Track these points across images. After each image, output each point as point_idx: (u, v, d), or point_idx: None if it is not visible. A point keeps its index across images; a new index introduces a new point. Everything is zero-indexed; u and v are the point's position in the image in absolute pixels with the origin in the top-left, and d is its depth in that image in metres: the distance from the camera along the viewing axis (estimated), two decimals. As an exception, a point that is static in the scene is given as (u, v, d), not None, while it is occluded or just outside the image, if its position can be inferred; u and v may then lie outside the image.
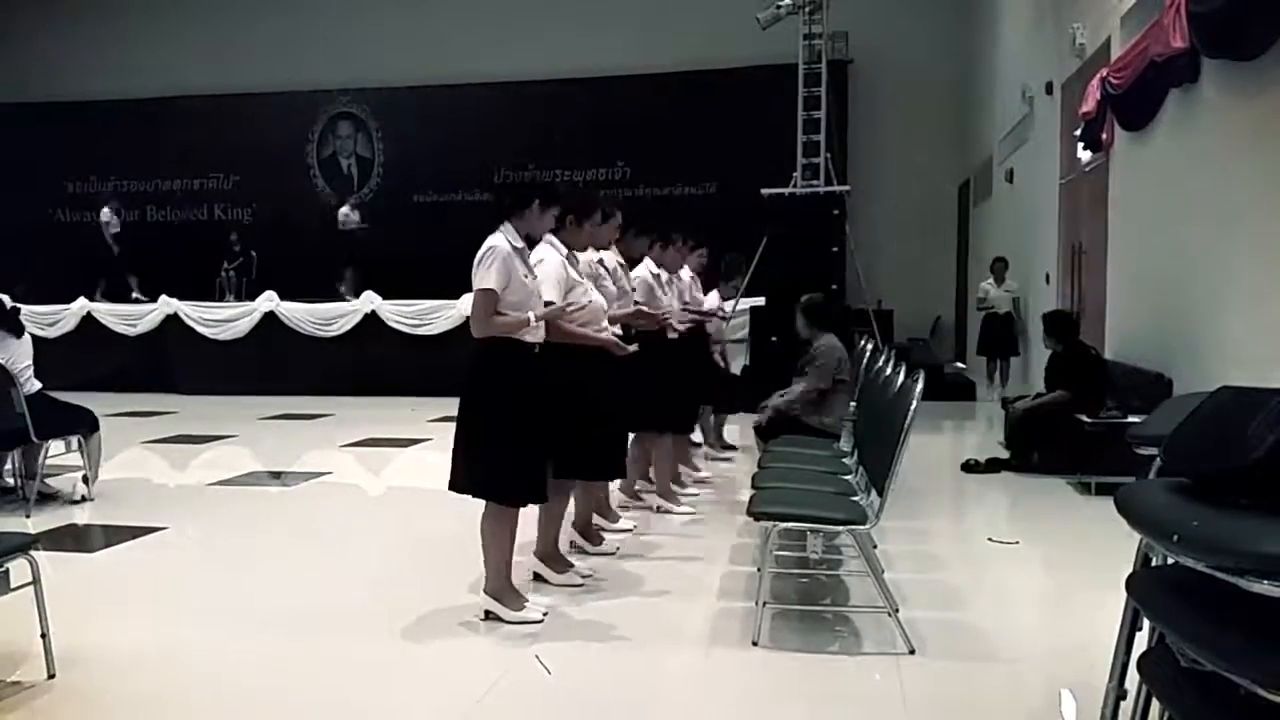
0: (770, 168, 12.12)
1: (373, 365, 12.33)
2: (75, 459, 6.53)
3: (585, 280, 4.53)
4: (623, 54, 15.96)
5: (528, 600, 4.09)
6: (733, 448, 8.13)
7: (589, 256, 4.83)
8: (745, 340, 11.33)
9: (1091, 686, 2.91)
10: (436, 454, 8.67)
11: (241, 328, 12.94)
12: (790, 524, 3.91)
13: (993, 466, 7.24)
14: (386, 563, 5.10)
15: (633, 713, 3.30)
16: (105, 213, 16.04)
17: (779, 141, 12.37)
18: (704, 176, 16.33)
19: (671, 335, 5.89)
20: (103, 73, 17.94)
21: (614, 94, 16.45)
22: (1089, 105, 7.86)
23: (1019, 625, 4.17)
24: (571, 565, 4.60)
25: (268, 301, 12.94)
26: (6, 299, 6.56)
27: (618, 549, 5.08)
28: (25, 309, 7.19)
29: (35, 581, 3.33)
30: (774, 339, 10.42)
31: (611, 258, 5.23)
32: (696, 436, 7.52)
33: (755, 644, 3.69)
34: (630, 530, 5.44)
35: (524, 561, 4.45)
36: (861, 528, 3.84)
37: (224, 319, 13.11)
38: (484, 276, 3.84)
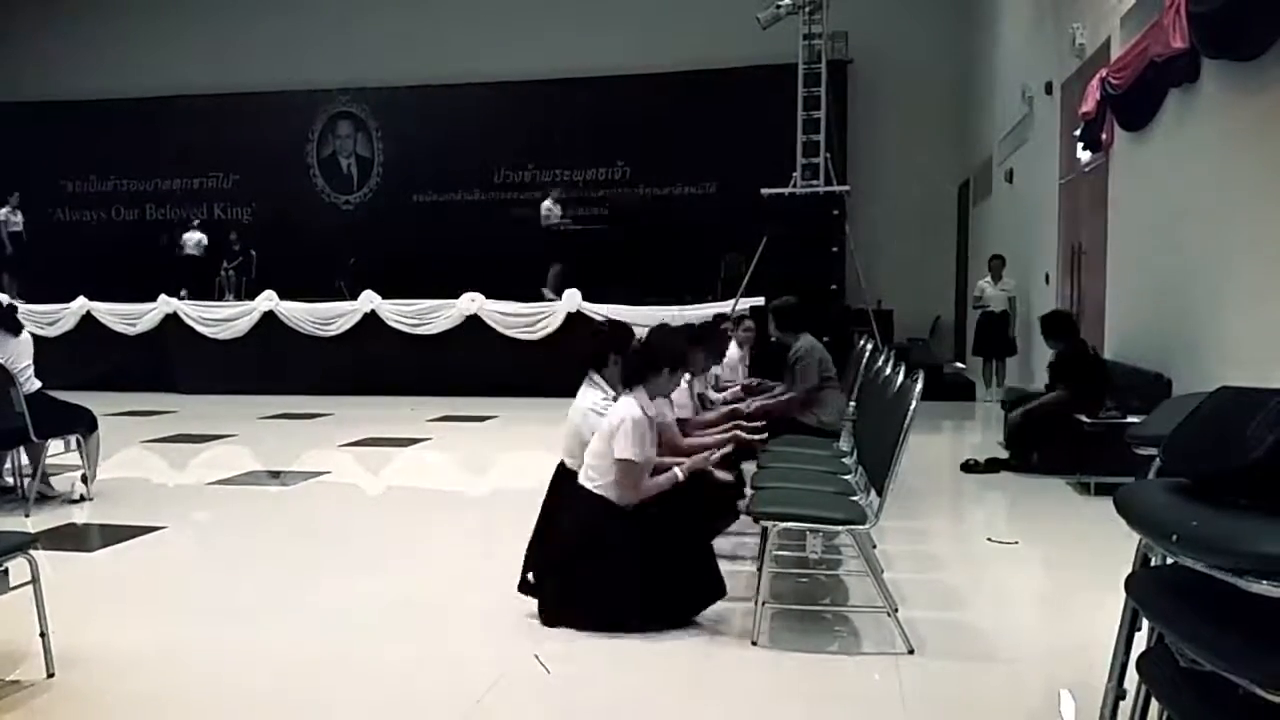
0: (770, 168, 12.11)
1: (372, 365, 12.34)
2: (75, 459, 6.53)
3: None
4: (623, 54, 15.97)
5: None
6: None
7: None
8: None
9: (1090, 686, 2.91)
10: (436, 453, 8.75)
11: (241, 327, 12.95)
12: (790, 524, 3.92)
13: (992, 466, 7.24)
14: (385, 563, 5.09)
15: (632, 712, 3.30)
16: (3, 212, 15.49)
17: (779, 141, 12.37)
18: (704, 176, 16.35)
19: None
20: (102, 72, 17.96)
21: (614, 94, 16.46)
22: (1089, 105, 7.86)
23: (1018, 625, 4.17)
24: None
25: (267, 301, 12.94)
26: (4, 298, 6.56)
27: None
28: (24, 308, 7.20)
29: (34, 581, 3.33)
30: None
31: None
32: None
33: (755, 643, 3.70)
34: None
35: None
36: (861, 528, 3.84)
37: (223, 318, 13.12)
38: (624, 447, 3.85)
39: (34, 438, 6.11)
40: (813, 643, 3.82)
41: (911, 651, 3.62)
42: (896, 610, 3.77)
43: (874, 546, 4.40)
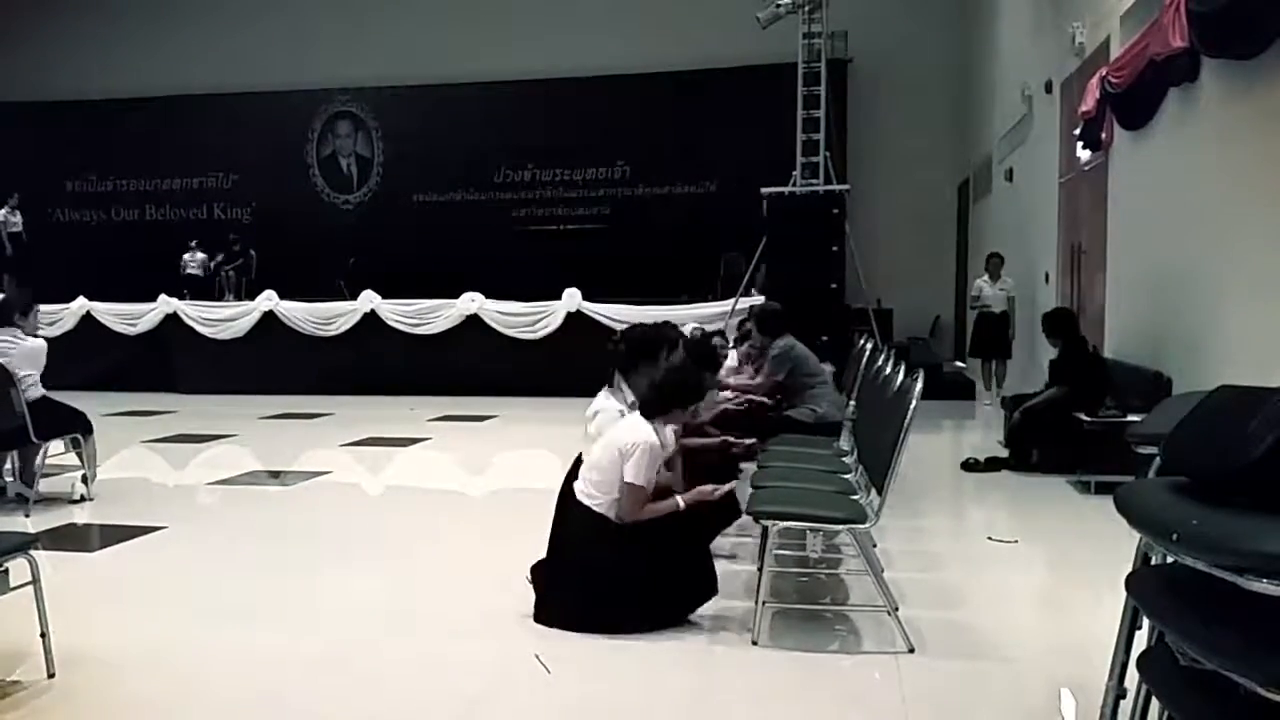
0: (770, 167, 12.11)
1: (372, 365, 12.33)
2: (75, 459, 6.53)
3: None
4: (623, 54, 15.97)
5: None
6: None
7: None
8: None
9: (1091, 685, 2.91)
10: (436, 453, 8.74)
11: (241, 327, 12.94)
12: (790, 523, 3.91)
13: (992, 465, 7.24)
14: (385, 563, 5.09)
15: (632, 712, 3.30)
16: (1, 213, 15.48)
17: (779, 141, 12.37)
18: (704, 176, 16.35)
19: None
20: (102, 72, 17.96)
21: (614, 94, 16.46)
22: (1088, 104, 7.85)
23: (1018, 624, 4.17)
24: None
25: (267, 301, 12.94)
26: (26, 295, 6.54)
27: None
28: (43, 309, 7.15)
29: (35, 581, 3.33)
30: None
31: None
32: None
33: (755, 643, 3.70)
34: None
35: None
36: (861, 526, 3.84)
37: (223, 318, 13.12)
38: (636, 473, 3.87)
39: (34, 439, 6.11)
40: (813, 642, 3.82)
41: (912, 650, 3.62)
42: (897, 609, 3.77)
43: (874, 545, 4.41)
